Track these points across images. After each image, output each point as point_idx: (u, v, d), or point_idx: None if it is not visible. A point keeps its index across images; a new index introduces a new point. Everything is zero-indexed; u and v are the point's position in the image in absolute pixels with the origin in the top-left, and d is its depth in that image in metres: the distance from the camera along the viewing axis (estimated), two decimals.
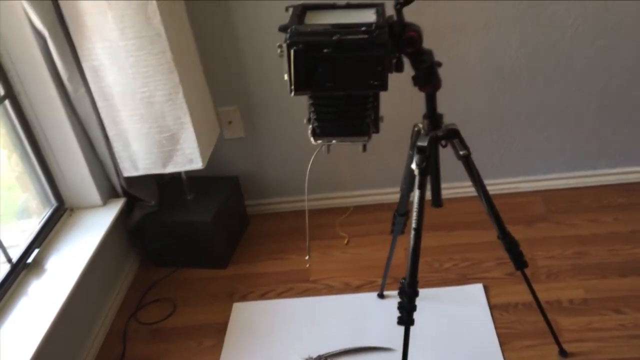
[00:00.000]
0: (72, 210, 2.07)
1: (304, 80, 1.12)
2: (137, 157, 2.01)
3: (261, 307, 2.02)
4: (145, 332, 2.01)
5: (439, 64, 1.25)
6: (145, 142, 1.97)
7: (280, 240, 2.32)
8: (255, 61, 2.16)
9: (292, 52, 1.10)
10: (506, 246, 1.49)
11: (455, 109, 2.18)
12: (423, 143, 1.30)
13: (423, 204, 1.32)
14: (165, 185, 2.27)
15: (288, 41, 1.11)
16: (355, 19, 1.17)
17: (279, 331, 1.91)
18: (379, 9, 1.21)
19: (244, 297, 2.07)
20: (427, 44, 1.24)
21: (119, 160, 2.02)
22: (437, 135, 1.32)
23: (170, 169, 2.04)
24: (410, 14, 1.21)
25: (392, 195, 2.43)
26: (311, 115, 1.24)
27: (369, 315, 1.92)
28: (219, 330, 1.95)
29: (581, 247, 2.08)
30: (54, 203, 2.03)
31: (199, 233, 2.15)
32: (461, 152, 1.32)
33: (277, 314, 1.98)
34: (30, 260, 1.81)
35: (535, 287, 1.83)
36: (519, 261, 1.51)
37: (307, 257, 1.39)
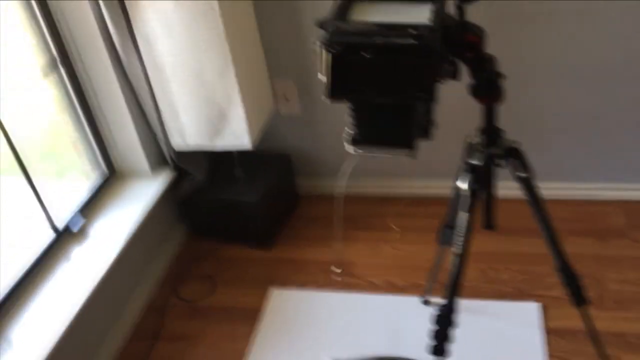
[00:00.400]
0: (121, 177, 2.06)
1: (340, 85, 0.99)
2: (186, 131, 1.95)
3: (299, 297, 1.95)
4: (184, 308, 1.99)
5: (501, 76, 1.07)
6: (194, 116, 1.91)
7: (329, 226, 2.21)
8: (316, 34, 2.02)
9: (329, 55, 0.96)
10: (565, 280, 1.31)
11: (537, 102, 1.96)
12: (477, 162, 1.14)
13: (471, 229, 1.17)
14: (217, 158, 2.21)
15: (325, 41, 0.97)
16: (407, 16, 1.01)
17: (312, 326, 1.83)
18: (438, 4, 1.04)
19: (283, 284, 2.01)
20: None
21: (168, 132, 1.98)
22: (494, 153, 1.14)
23: (218, 145, 1.97)
24: None
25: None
26: (350, 119, 1.10)
27: (409, 321, 1.80)
28: (254, 317, 1.90)
29: None
30: (104, 169, 2.02)
31: (245, 212, 2.10)
32: (520, 175, 1.15)
33: (313, 307, 1.90)
34: (76, 229, 1.82)
35: (600, 314, 1.67)
36: (579, 297, 1.32)
37: (337, 270, 1.28)
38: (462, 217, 1.17)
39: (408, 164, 2.22)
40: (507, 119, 1.93)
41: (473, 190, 1.13)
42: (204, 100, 1.87)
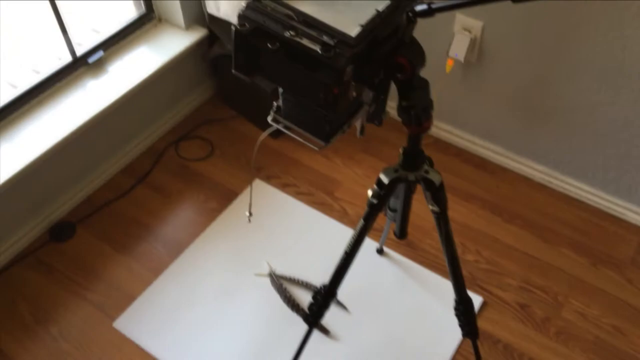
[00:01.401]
0: (158, 21, 2.09)
1: (245, 64, 0.92)
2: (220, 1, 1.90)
3: (274, 196, 2.01)
4: (176, 163, 2.12)
5: (431, 106, 0.94)
6: None
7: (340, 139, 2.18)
8: None
9: (234, 31, 0.88)
10: (462, 312, 1.26)
11: (592, 101, 1.72)
12: (384, 178, 1.05)
13: (362, 238, 1.13)
14: None
15: (240, 13, 0.89)
16: (343, 16, 0.88)
17: (272, 231, 1.91)
18: (387, 9, 0.89)
19: (268, 178, 2.06)
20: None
21: None
22: (405, 178, 1.05)
23: None
24: None
25: (478, 147, 2.12)
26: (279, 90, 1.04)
27: (356, 264, 1.82)
28: (229, 197, 2.00)
29: (629, 324, 1.70)
30: (143, 10, 2.05)
31: (260, 98, 2.09)
32: (431, 208, 1.06)
33: (282, 212, 1.96)
34: (94, 59, 1.91)
35: (537, 336, 1.63)
36: (470, 328, 1.28)
37: (247, 214, 1.30)
38: (359, 223, 1.12)
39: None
40: (559, 104, 1.73)
41: (372, 205, 1.07)
42: None
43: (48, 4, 1.74)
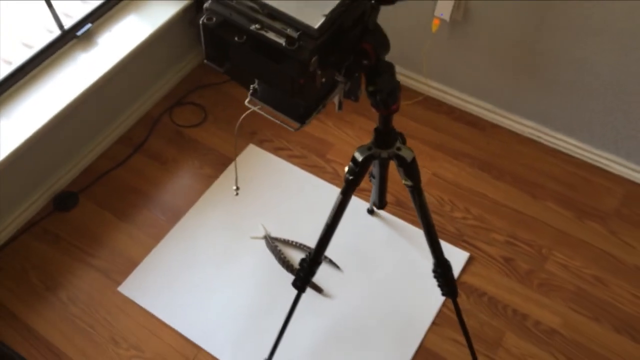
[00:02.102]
0: None
1: (215, 54, 0.95)
2: None
3: (268, 160, 2.06)
4: (170, 130, 2.17)
5: (399, 88, 0.97)
6: None
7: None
8: None
9: (202, 24, 0.91)
10: (440, 273, 1.33)
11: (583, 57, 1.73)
12: (358, 156, 1.10)
13: (342, 211, 1.18)
14: None
15: (206, 7, 0.91)
16: (306, 7, 0.91)
17: (267, 194, 1.98)
18: None
19: (261, 142, 2.11)
20: None
21: None
22: (379, 156, 1.10)
23: None
24: None
25: (469, 104, 2.14)
26: None
27: (348, 224, 1.89)
28: (224, 163, 2.06)
29: (610, 275, 1.77)
30: None
31: None
32: (404, 182, 1.11)
33: (275, 175, 2.02)
34: (82, 31, 1.94)
35: (521, 288, 1.70)
36: (448, 288, 1.35)
37: (234, 188, 1.36)
38: (338, 197, 1.18)
39: (427, 64, 2.08)
40: (544, 60, 1.74)
41: (349, 181, 1.12)
42: None
43: None
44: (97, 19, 1.98)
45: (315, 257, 1.31)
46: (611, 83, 1.77)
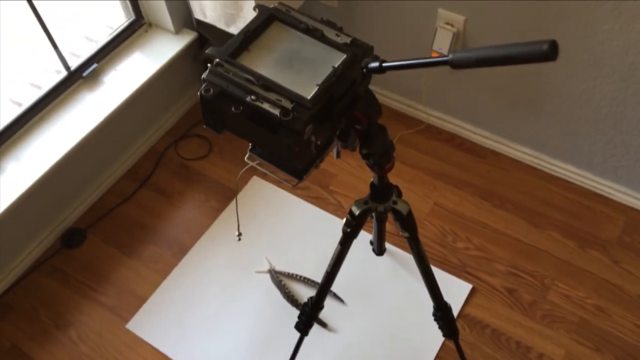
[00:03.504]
0: (148, 26, 2.13)
1: (214, 121, 0.99)
2: (205, 5, 1.94)
3: (272, 193, 2.09)
4: (176, 163, 2.21)
5: (393, 148, 1.00)
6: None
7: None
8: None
9: (200, 94, 0.94)
10: (440, 316, 1.35)
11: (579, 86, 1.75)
12: (355, 210, 1.13)
13: (341, 261, 1.21)
14: None
15: (203, 79, 0.95)
16: (300, 76, 0.94)
17: (271, 227, 2.00)
18: (348, 59, 0.94)
19: (264, 175, 2.14)
20: None
21: (190, 3, 1.97)
22: (375, 209, 1.12)
23: (233, 30, 1.95)
24: None
25: (469, 132, 2.16)
26: None
27: (354, 258, 1.91)
28: (229, 196, 2.09)
29: (612, 305, 1.78)
30: (133, 16, 2.09)
31: None
32: (401, 234, 1.14)
33: (279, 207, 2.05)
34: (88, 71, 1.98)
35: (524, 320, 1.72)
36: (449, 330, 1.37)
37: (237, 234, 1.38)
38: (336, 248, 1.21)
39: (426, 92, 2.11)
40: (542, 92, 1.77)
41: (346, 233, 1.15)
42: None
43: (35, 20, 1.79)
44: (102, 58, 2.02)
45: (317, 302, 1.33)
46: (611, 113, 1.78)
